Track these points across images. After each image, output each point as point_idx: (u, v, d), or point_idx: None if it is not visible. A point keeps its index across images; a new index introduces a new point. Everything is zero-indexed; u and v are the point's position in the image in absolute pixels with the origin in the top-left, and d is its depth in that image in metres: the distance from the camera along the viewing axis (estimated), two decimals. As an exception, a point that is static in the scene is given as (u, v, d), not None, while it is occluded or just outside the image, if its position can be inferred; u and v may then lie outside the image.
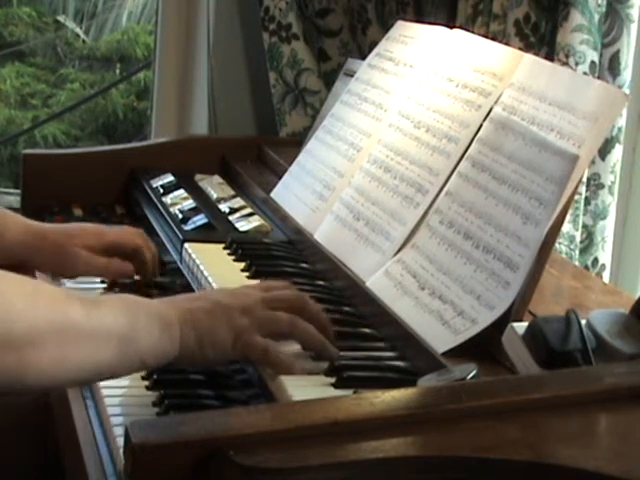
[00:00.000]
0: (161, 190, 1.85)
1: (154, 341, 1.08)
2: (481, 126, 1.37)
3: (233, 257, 1.52)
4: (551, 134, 1.25)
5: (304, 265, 1.50)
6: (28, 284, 1.05)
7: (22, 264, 1.45)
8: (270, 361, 1.14)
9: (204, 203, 1.77)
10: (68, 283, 1.52)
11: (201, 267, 1.45)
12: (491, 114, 1.37)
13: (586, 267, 1.75)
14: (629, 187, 1.88)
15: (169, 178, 1.90)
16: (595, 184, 1.73)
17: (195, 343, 1.11)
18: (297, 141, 2.04)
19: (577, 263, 1.71)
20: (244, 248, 1.53)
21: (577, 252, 1.73)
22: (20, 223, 1.48)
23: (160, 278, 1.54)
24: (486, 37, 1.64)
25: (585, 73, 1.65)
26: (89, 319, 1.04)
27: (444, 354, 1.15)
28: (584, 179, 1.69)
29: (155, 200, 1.81)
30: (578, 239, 1.72)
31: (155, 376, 1.21)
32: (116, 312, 1.07)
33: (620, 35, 1.68)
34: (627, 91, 1.68)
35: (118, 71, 6.27)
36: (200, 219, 1.67)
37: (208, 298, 1.17)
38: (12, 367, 0.98)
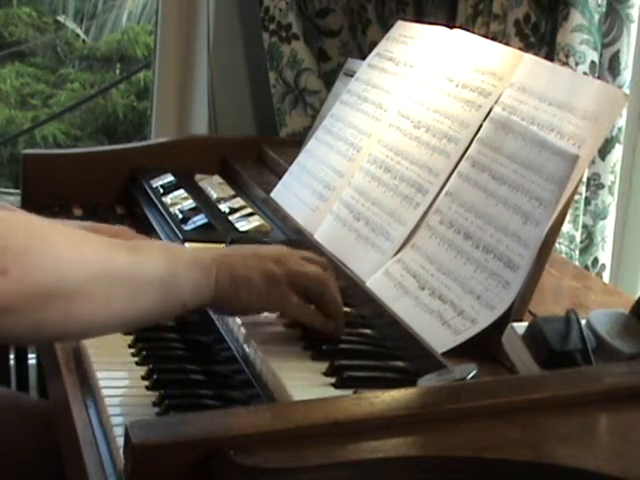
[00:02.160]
0: (161, 190, 1.85)
1: (193, 284, 1.11)
2: (481, 126, 1.38)
3: (233, 257, 1.51)
4: (551, 134, 1.25)
5: (304, 265, 1.50)
6: (75, 234, 1.07)
7: None
8: (305, 317, 1.19)
9: (204, 203, 1.77)
10: None
11: (201, 267, 1.44)
12: (491, 114, 1.37)
13: (586, 267, 1.75)
14: (629, 187, 1.88)
15: (169, 178, 1.91)
16: (595, 184, 1.73)
17: (230, 286, 1.13)
18: (297, 141, 2.04)
19: (577, 263, 1.71)
20: (244, 248, 1.53)
21: (577, 252, 1.73)
22: None
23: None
24: (486, 37, 1.64)
25: (585, 73, 1.65)
26: (132, 266, 1.06)
27: (444, 354, 1.15)
28: (584, 179, 1.69)
29: (155, 200, 1.81)
30: (578, 239, 1.72)
31: (155, 376, 1.21)
32: (155, 258, 1.09)
33: (620, 35, 1.68)
34: (627, 91, 1.68)
35: (118, 71, 6.27)
36: (200, 219, 1.67)
37: (244, 248, 1.22)
38: (60, 316, 1.00)
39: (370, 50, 1.76)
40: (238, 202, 1.77)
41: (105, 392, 1.18)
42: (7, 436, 1.38)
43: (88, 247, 1.04)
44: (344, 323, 1.22)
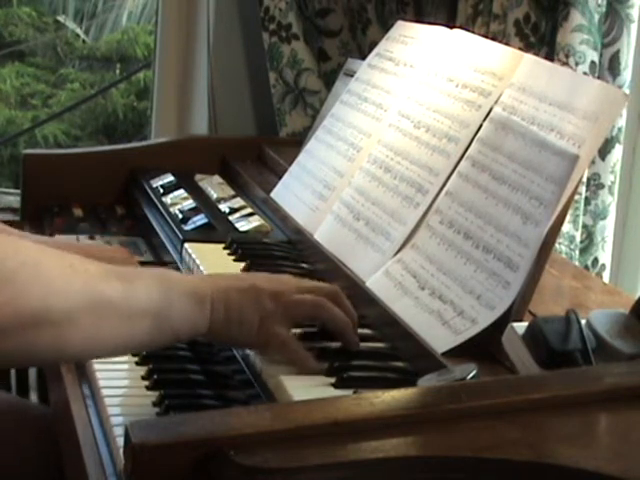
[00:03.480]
0: (161, 190, 1.85)
1: (187, 316, 1.10)
2: (481, 126, 1.38)
3: (233, 257, 1.52)
4: (551, 134, 1.25)
5: (304, 265, 1.50)
6: (66, 260, 1.06)
7: None
8: (287, 352, 1.16)
9: (204, 203, 1.77)
10: None
11: (201, 267, 1.45)
12: (491, 114, 1.37)
13: (586, 267, 1.75)
14: (629, 187, 1.88)
15: (169, 178, 1.91)
16: (595, 184, 1.73)
17: (223, 319, 1.12)
18: (297, 141, 2.04)
19: (577, 263, 1.71)
20: (244, 248, 1.53)
21: (577, 252, 1.73)
22: None
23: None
24: (486, 37, 1.64)
25: (585, 73, 1.65)
26: (124, 296, 1.05)
27: (444, 354, 1.15)
28: (584, 179, 1.69)
29: (155, 200, 1.81)
30: (578, 239, 1.72)
31: (155, 376, 1.21)
32: (150, 288, 1.08)
33: (620, 35, 1.68)
34: (627, 91, 1.68)
35: (118, 71, 6.27)
36: (200, 219, 1.67)
37: (244, 279, 1.20)
38: (50, 342, 1.00)
39: (370, 50, 1.76)
40: (238, 202, 1.77)
41: (105, 392, 1.18)
42: (8, 441, 1.38)
43: (79, 276, 1.03)
44: (355, 335, 1.20)
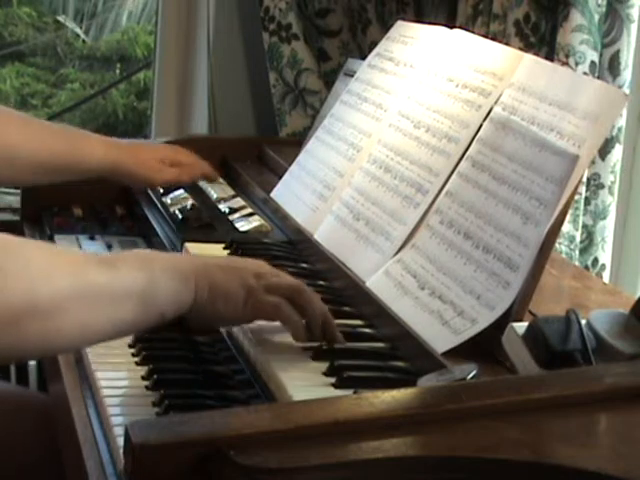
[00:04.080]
0: (161, 190, 1.85)
1: (172, 294, 1.10)
2: (481, 126, 1.38)
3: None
4: (551, 134, 1.25)
5: (304, 265, 1.50)
6: (49, 251, 1.07)
7: (105, 179, 1.69)
8: (282, 317, 1.17)
9: (204, 203, 1.77)
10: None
11: (201, 267, 1.44)
12: (491, 114, 1.37)
13: (586, 267, 1.75)
14: (629, 187, 1.88)
15: (169, 178, 1.90)
16: (595, 184, 1.73)
17: (208, 296, 1.13)
18: (297, 141, 2.04)
19: (577, 263, 1.71)
20: (244, 248, 1.53)
21: (577, 252, 1.73)
22: (100, 141, 1.68)
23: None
24: (486, 37, 1.64)
25: (585, 73, 1.65)
26: (108, 280, 1.05)
27: (444, 354, 1.15)
28: (584, 179, 1.69)
29: (155, 200, 1.81)
30: (578, 239, 1.72)
31: (155, 376, 1.21)
32: (133, 269, 1.08)
33: (620, 35, 1.68)
34: (627, 91, 1.68)
35: (118, 71, 6.27)
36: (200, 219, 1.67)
37: (225, 259, 1.24)
38: (38, 334, 1.00)
39: (370, 50, 1.76)
40: (238, 202, 1.77)
41: (105, 392, 1.18)
42: (8, 429, 1.39)
43: (62, 264, 1.04)
44: (335, 327, 1.20)
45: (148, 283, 1.08)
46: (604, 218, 1.75)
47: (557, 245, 1.66)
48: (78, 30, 6.39)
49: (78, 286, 1.03)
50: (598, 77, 1.67)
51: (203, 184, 1.90)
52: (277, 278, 1.20)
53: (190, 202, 1.76)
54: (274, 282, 1.19)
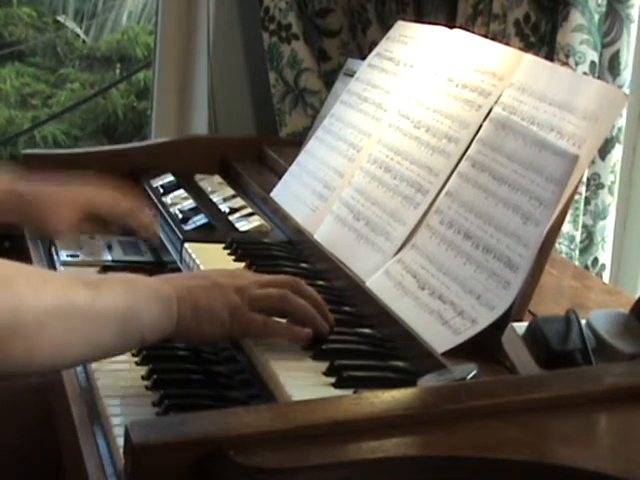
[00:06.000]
0: (161, 190, 1.85)
1: (153, 318, 1.11)
2: (481, 126, 1.38)
3: (233, 257, 1.52)
4: (551, 134, 1.25)
5: (304, 265, 1.50)
6: (36, 273, 1.10)
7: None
8: (270, 331, 1.18)
9: (204, 203, 1.77)
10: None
11: (201, 267, 1.45)
12: (491, 114, 1.37)
13: (586, 267, 1.75)
14: (629, 187, 1.88)
15: (169, 178, 1.91)
16: (595, 184, 1.72)
17: (192, 319, 1.14)
18: (297, 141, 2.04)
19: (577, 263, 1.71)
20: (244, 248, 1.53)
21: (577, 252, 1.73)
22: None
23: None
24: (486, 37, 1.64)
25: (585, 73, 1.65)
26: (92, 303, 1.07)
27: (444, 354, 1.15)
28: (584, 179, 1.69)
29: (155, 200, 1.81)
30: (578, 239, 1.72)
31: (155, 376, 1.21)
32: (116, 293, 1.09)
33: (620, 35, 1.68)
34: (627, 91, 1.68)
35: (118, 71, 6.27)
36: (200, 219, 1.67)
37: (204, 276, 1.22)
38: (20, 353, 1.01)
39: (370, 50, 1.76)
40: (238, 202, 1.77)
41: (105, 392, 1.18)
42: (7, 415, 1.39)
43: (48, 286, 1.05)
44: (325, 321, 1.21)
45: (130, 307, 1.09)
46: (604, 218, 1.75)
47: (557, 245, 1.66)
48: (78, 30, 6.39)
49: (62, 308, 1.04)
50: (598, 77, 1.67)
51: (203, 184, 1.90)
52: (260, 290, 1.19)
53: (190, 202, 1.76)
54: (257, 295, 1.18)
